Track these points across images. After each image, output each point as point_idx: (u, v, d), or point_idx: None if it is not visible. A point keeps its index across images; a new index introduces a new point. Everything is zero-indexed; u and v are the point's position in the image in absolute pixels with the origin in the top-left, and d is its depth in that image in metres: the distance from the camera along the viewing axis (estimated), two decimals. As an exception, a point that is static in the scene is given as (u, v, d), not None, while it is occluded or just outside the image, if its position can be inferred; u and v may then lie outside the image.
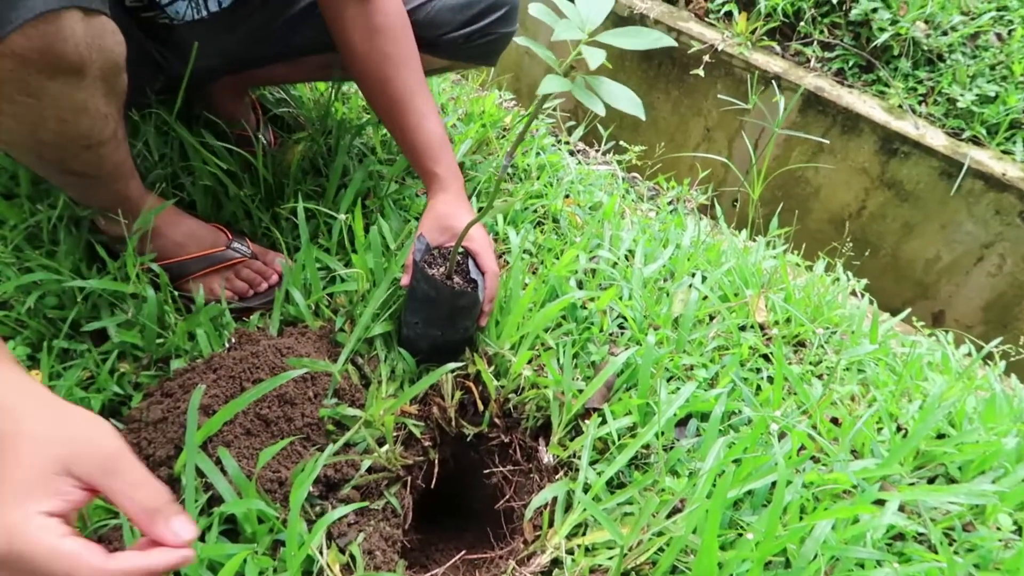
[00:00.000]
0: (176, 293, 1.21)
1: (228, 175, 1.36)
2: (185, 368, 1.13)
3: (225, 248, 1.28)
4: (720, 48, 2.69)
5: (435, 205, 1.25)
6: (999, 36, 2.68)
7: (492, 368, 1.25)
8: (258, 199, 1.38)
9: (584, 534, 1.05)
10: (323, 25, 1.26)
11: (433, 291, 1.15)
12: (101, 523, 0.94)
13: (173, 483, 0.99)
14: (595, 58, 0.70)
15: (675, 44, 0.74)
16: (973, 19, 2.67)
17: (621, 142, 2.41)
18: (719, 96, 2.31)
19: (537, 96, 0.75)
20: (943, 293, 2.60)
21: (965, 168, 2.34)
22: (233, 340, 1.20)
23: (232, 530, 0.98)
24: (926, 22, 2.67)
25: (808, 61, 2.72)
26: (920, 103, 2.58)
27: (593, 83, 0.77)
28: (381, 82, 1.26)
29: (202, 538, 0.93)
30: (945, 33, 2.64)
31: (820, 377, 1.40)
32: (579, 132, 2.07)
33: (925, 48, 2.63)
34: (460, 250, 1.23)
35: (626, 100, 0.74)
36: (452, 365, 1.19)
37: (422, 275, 1.15)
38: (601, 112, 0.73)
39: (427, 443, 1.22)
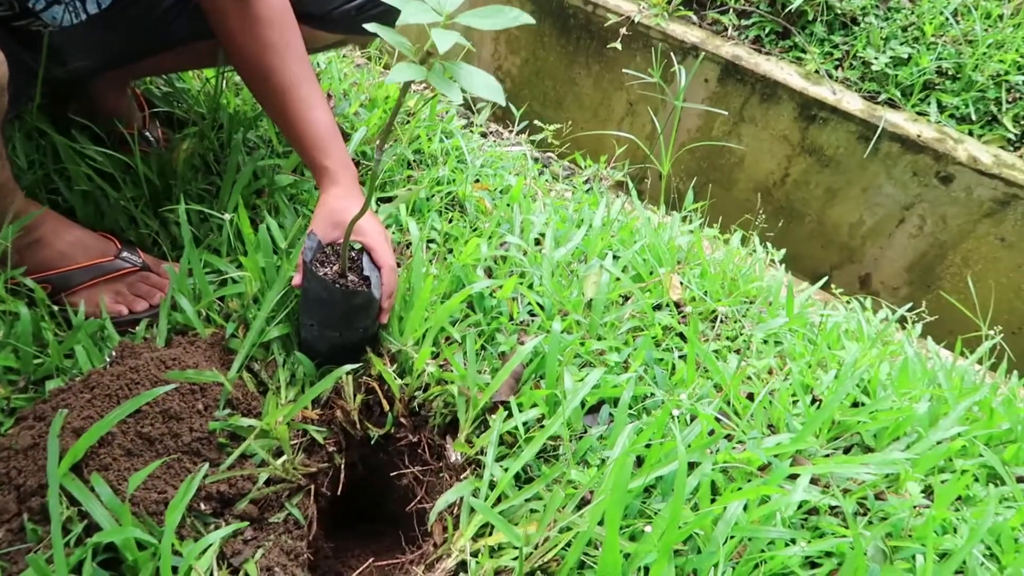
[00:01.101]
0: (56, 308, 1.14)
1: (107, 178, 1.27)
2: (61, 388, 1.06)
3: (114, 258, 1.20)
4: (636, 20, 2.65)
5: (326, 200, 1.19)
6: (911, -3, 2.70)
7: (396, 366, 1.21)
8: (142, 203, 1.30)
9: (490, 534, 1.02)
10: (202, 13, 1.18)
11: (325, 292, 1.09)
12: None
13: (46, 513, 0.92)
14: (445, 41, 0.65)
15: (533, 22, 0.69)
16: (885, -19, 2.69)
17: (536, 121, 2.36)
18: (625, 71, 2.27)
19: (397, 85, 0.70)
20: (868, 256, 2.63)
21: (879, 131, 2.36)
22: (114, 355, 1.13)
23: (116, 559, 0.92)
24: (840, -14, 2.68)
25: (726, 30, 2.70)
26: (836, 68, 2.58)
27: (451, 69, 0.72)
28: (264, 73, 1.20)
29: (78, 571, 0.88)
30: (858, -5, 2.66)
31: (737, 352, 1.38)
32: (486, 112, 2.01)
33: (839, 12, 2.64)
34: (354, 246, 1.18)
35: (484, 85, 0.70)
36: (350, 366, 1.13)
37: (312, 275, 1.09)
38: (457, 100, 0.68)
39: (331, 448, 1.17)
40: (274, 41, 1.18)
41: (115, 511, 0.90)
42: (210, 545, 0.93)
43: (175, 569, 0.89)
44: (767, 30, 2.68)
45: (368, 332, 1.19)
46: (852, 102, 2.45)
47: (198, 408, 1.08)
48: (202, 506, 1.00)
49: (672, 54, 2.60)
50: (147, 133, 1.47)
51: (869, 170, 2.46)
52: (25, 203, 1.11)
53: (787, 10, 2.63)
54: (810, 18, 2.64)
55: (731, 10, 2.74)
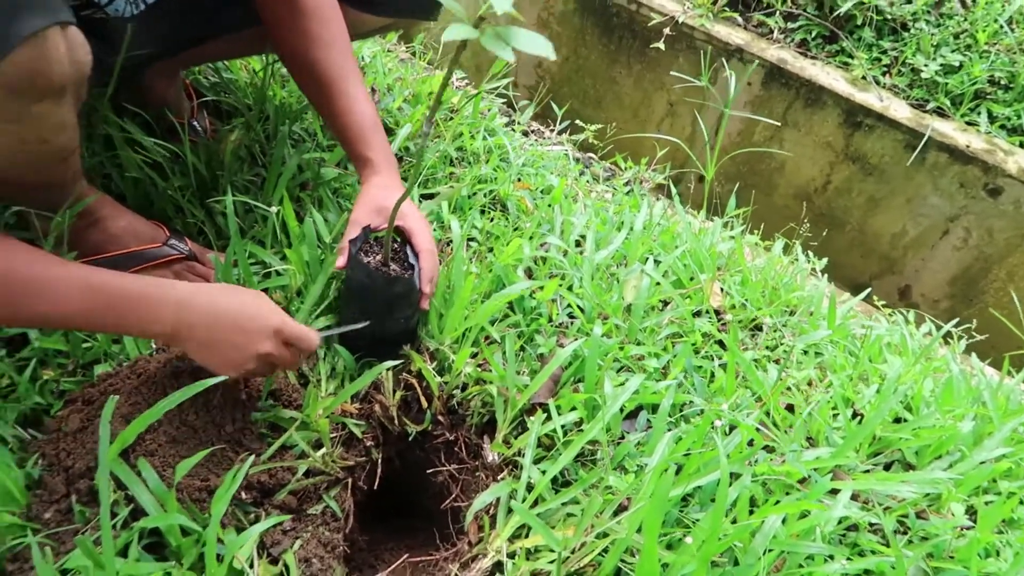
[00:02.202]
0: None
1: (156, 167, 1.29)
2: (109, 373, 1.08)
3: (162, 244, 1.22)
4: (681, 20, 2.63)
5: (369, 188, 1.20)
6: (963, 3, 2.64)
7: (435, 364, 1.21)
8: (189, 192, 1.32)
9: (527, 536, 1.02)
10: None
11: (367, 279, 1.10)
12: (16, 540, 0.89)
13: (94, 495, 0.94)
14: (502, 3, 0.67)
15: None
16: (937, -13, 2.63)
17: (578, 120, 2.34)
18: (672, 73, 2.25)
19: (451, 48, 0.70)
20: (909, 268, 2.59)
21: (925, 139, 2.31)
22: (160, 343, 1.15)
23: (160, 543, 0.93)
24: (890, -10, 2.63)
25: (771, 32, 2.67)
26: (884, 74, 2.54)
27: (503, 32, 0.72)
28: (309, 65, 1.21)
29: (124, 554, 0.89)
30: (909, 1, 2.60)
31: (776, 362, 1.37)
32: (529, 111, 2.01)
33: (889, 17, 2.59)
34: (395, 235, 1.19)
35: (534, 44, 0.70)
36: (391, 362, 1.14)
37: (355, 262, 1.10)
38: (510, 58, 0.69)
39: (369, 443, 1.18)
40: (321, 33, 1.20)
41: (161, 497, 0.91)
42: (265, 530, 0.95)
43: (219, 557, 0.90)
44: (814, 34, 2.64)
45: (408, 324, 1.19)
46: (899, 110, 2.41)
47: (242, 398, 1.09)
48: (243, 495, 1.02)
49: (716, 56, 2.57)
50: (195, 123, 1.49)
51: (914, 180, 2.41)
52: (85, 187, 1.13)
53: (835, 14, 2.59)
54: (859, 23, 2.60)
55: (777, 12, 2.70)
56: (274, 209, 1.22)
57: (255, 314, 0.95)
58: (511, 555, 1.00)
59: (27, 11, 0.74)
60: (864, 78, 2.50)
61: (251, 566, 0.93)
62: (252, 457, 0.95)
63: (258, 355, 0.95)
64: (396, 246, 1.19)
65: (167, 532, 0.91)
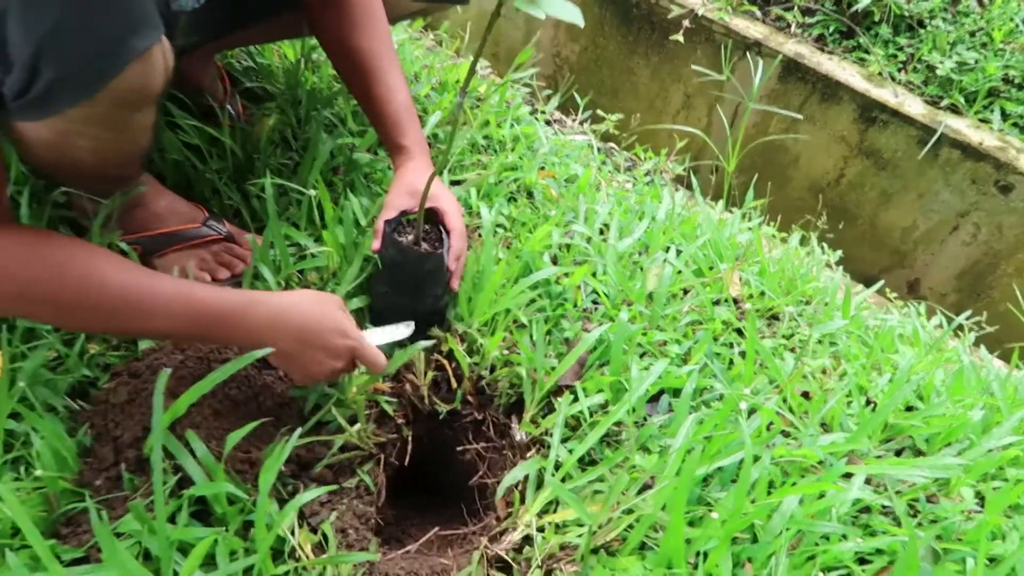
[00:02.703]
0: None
1: (193, 150, 1.33)
2: (153, 349, 1.12)
3: (201, 225, 1.26)
4: (700, 13, 2.65)
5: (403, 173, 1.24)
6: (980, 2, 2.66)
7: (465, 345, 1.25)
8: (226, 175, 1.35)
9: (555, 511, 1.06)
10: None
11: (400, 255, 1.15)
12: (70, 505, 0.94)
13: (142, 464, 0.98)
14: None
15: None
16: (954, -16, 2.65)
17: (599, 111, 2.38)
18: (693, 67, 2.28)
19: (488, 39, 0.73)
20: (919, 262, 2.62)
21: (937, 135, 2.34)
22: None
23: (204, 511, 0.98)
24: (907, -13, 2.65)
25: (789, 26, 2.69)
26: (899, 70, 2.56)
27: None
28: (349, 52, 1.25)
29: (172, 520, 0.94)
30: (926, -2, 2.63)
31: (792, 351, 1.41)
32: (555, 101, 2.05)
33: (906, 14, 2.61)
34: (427, 217, 1.23)
35: (565, 10, 0.73)
36: (424, 343, 1.18)
37: (389, 240, 1.15)
38: (541, 16, 0.72)
39: (400, 421, 1.22)
40: (361, 21, 1.24)
41: (209, 467, 0.95)
42: (304, 502, 0.99)
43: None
44: (831, 29, 2.66)
45: (439, 304, 1.23)
46: (914, 106, 2.44)
47: (280, 375, 1.13)
48: (282, 468, 1.06)
49: (734, 49, 2.60)
50: (228, 107, 1.53)
51: (927, 175, 2.45)
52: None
53: (853, 10, 2.62)
54: (876, 19, 2.62)
55: (795, 7, 2.73)
56: (312, 192, 1.26)
57: (339, 337, 1.01)
58: (540, 529, 1.04)
59: (139, 29, 0.79)
60: (880, 74, 2.53)
61: (292, 534, 0.98)
62: (298, 429, 0.99)
63: (333, 371, 1.02)
64: (428, 227, 1.23)
65: (213, 500, 0.96)
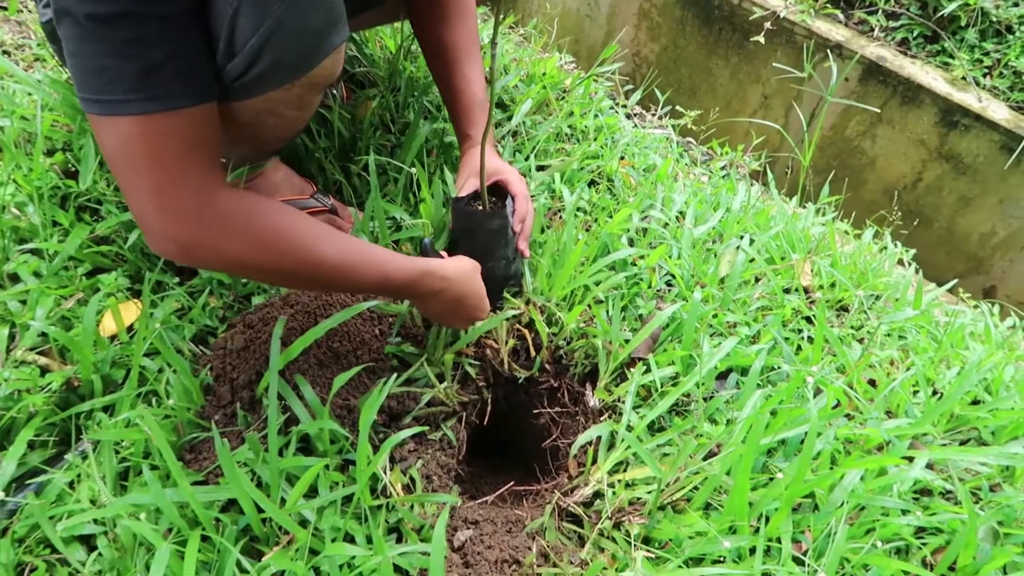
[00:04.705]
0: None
1: (304, 130, 1.45)
2: (265, 303, 1.24)
3: (310, 197, 1.38)
4: (782, 15, 2.68)
5: (468, 159, 1.34)
6: (1073, 8, 2.61)
7: (544, 317, 1.33)
8: (331, 154, 1.47)
9: (625, 471, 1.13)
10: None
11: (466, 220, 1.25)
12: (192, 435, 1.05)
13: (254, 404, 1.10)
14: None
15: None
16: (1047, -10, 2.61)
17: (678, 107, 2.43)
18: (775, 64, 2.31)
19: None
20: (996, 268, 2.59)
21: (1026, 143, 2.32)
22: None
23: (306, 448, 1.08)
24: (997, -8, 2.62)
25: (872, 30, 2.69)
26: (985, 76, 2.54)
27: None
28: (436, 43, 1.35)
29: (280, 453, 1.04)
30: (1016, 4, 2.59)
31: (860, 341, 1.45)
32: (636, 96, 2.12)
33: (994, 19, 2.58)
34: (494, 191, 1.31)
35: None
36: (508, 312, 1.27)
37: (456, 210, 1.24)
38: None
39: (481, 383, 1.31)
40: (451, 14, 1.34)
41: (315, 408, 1.06)
42: (394, 446, 1.09)
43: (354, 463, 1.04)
44: (915, 33, 2.65)
45: (511, 268, 1.30)
46: (998, 111, 2.41)
47: (376, 333, 1.24)
48: (376, 417, 1.16)
49: (815, 52, 2.61)
50: (334, 91, 1.65)
51: (1009, 181, 2.42)
52: None
53: (939, 15, 2.60)
54: (962, 24, 2.60)
55: (879, 11, 2.72)
56: (412, 170, 1.36)
57: (480, 302, 1.19)
58: (610, 486, 1.12)
59: (338, 26, 0.95)
60: (964, 78, 2.51)
61: (385, 473, 1.08)
62: (393, 377, 1.09)
63: (469, 323, 1.22)
64: (494, 198, 1.31)
65: (316, 438, 1.06)
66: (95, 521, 0.92)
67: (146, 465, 0.97)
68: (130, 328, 1.14)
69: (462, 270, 1.14)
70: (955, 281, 1.77)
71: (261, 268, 0.90)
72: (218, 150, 0.89)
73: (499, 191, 1.32)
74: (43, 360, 1.07)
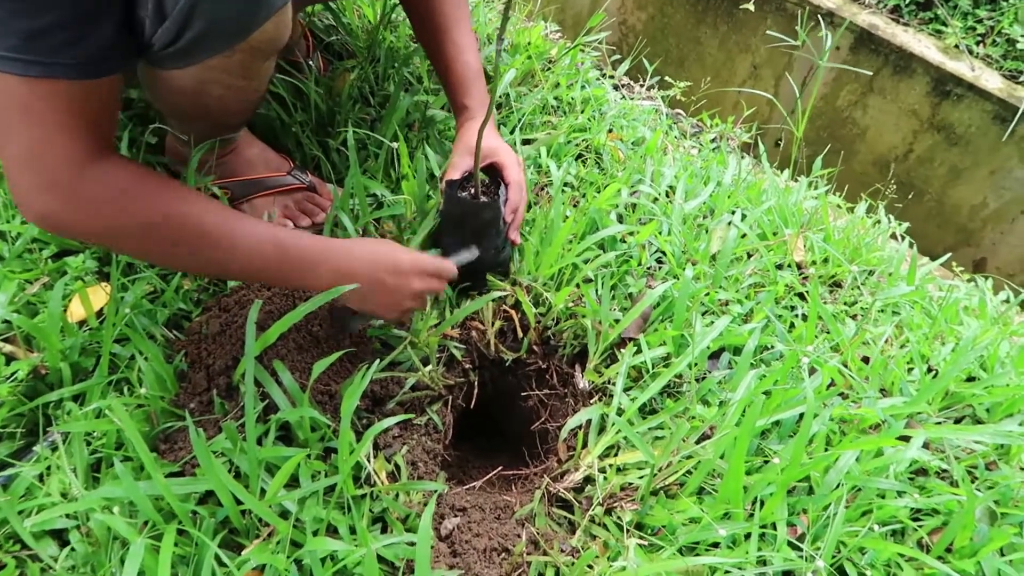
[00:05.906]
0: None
1: (279, 102, 1.39)
2: (241, 286, 1.19)
3: (286, 174, 1.32)
4: (772, -18, 2.62)
5: (464, 133, 1.28)
6: (1067, -26, 2.57)
7: (531, 297, 1.30)
8: (309, 128, 1.41)
9: (616, 455, 1.10)
10: None
11: (459, 208, 1.20)
12: (167, 424, 1.01)
13: (231, 391, 1.05)
14: None
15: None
16: (1041, -45, 2.56)
17: (666, 77, 2.38)
18: (768, 32, 2.26)
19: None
20: (987, 240, 2.57)
21: (1021, 112, 2.28)
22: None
23: (286, 436, 1.05)
24: (991, -42, 2.57)
25: (863, -3, 2.64)
26: (978, 44, 2.50)
27: None
28: (426, 12, 1.29)
29: (259, 442, 1.01)
30: (1010, -30, 2.55)
31: (854, 317, 1.42)
32: (624, 66, 2.06)
33: (987, -15, 2.54)
34: (488, 171, 1.26)
35: None
36: (497, 293, 1.23)
37: (449, 196, 1.20)
38: None
39: (467, 365, 1.28)
40: None
41: (294, 395, 1.02)
42: (378, 433, 1.05)
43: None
44: (907, 0, 2.60)
45: (500, 256, 1.27)
46: (991, 80, 2.38)
47: (357, 315, 1.20)
48: (358, 402, 1.12)
49: (803, 19, 2.56)
50: (310, 62, 1.58)
51: (1001, 152, 2.39)
52: None
53: (931, -20, 2.55)
54: (955, -10, 2.56)
55: (871, -24, 2.67)
56: (394, 145, 1.31)
57: (403, 254, 1.05)
58: (601, 471, 1.09)
59: None
60: (957, 47, 2.47)
61: (368, 461, 1.04)
62: (377, 362, 1.05)
63: (413, 292, 1.05)
64: (488, 181, 1.27)
65: (296, 426, 1.02)
66: (67, 515, 0.89)
67: (118, 457, 0.93)
68: (99, 313, 1.09)
69: (367, 243, 1.07)
70: (948, 255, 1.74)
71: (137, 245, 0.89)
72: (111, 124, 0.86)
73: (493, 173, 1.27)
74: (8, 348, 1.03)
